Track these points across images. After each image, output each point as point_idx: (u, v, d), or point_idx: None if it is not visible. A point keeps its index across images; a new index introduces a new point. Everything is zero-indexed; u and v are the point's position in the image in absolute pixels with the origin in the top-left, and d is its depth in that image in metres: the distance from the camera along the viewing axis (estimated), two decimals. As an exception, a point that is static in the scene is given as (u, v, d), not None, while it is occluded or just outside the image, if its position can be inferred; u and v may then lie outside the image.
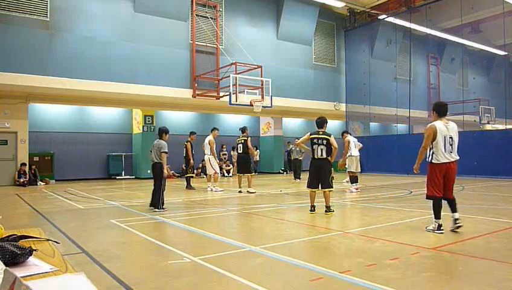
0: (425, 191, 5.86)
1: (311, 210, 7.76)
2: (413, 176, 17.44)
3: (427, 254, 4.55)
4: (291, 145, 18.23)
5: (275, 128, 23.53)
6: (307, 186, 7.89)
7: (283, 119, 24.01)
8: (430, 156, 5.70)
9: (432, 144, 5.67)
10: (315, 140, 7.68)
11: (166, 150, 8.41)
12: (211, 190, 12.45)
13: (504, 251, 4.75)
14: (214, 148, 12.64)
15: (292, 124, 25.65)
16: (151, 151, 8.62)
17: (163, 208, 8.32)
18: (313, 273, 3.92)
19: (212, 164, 12.61)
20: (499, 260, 4.41)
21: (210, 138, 12.67)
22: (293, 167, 18.11)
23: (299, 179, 16.64)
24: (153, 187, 8.61)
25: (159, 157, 8.42)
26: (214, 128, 12.98)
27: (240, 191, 11.99)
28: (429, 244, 4.98)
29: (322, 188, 7.67)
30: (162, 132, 8.70)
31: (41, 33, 14.58)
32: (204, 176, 15.65)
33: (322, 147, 7.59)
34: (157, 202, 8.37)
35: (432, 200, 5.76)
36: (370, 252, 4.64)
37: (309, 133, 7.91)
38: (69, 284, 1.20)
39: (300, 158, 17.24)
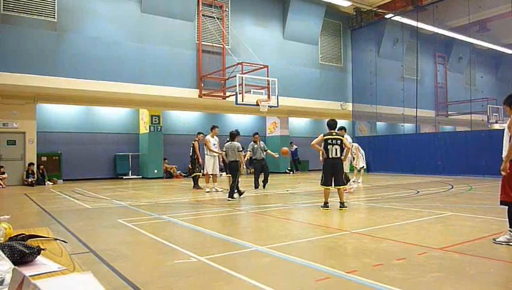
0: (500, 196, 4.98)
1: (324, 206, 8.13)
2: (417, 175, 17.44)
3: (434, 254, 4.51)
4: (254, 144, 13.25)
5: (281, 128, 23.47)
6: (322, 184, 8.30)
7: (289, 119, 23.97)
8: None
9: None
10: (329, 140, 8.16)
11: (241, 149, 10.23)
12: (215, 190, 12.45)
13: (513, 251, 4.70)
14: (205, 148, 12.48)
15: (298, 123, 25.61)
16: (225, 152, 10.32)
17: (233, 198, 9.82)
18: (319, 273, 3.91)
19: (205, 164, 12.64)
20: (507, 260, 4.37)
21: (206, 137, 12.67)
22: (256, 170, 13.28)
23: (264, 187, 12.96)
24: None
25: (235, 156, 9.98)
26: (213, 127, 12.84)
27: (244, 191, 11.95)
28: (436, 244, 4.94)
29: (336, 185, 8.15)
30: (235, 135, 10.31)
31: (49, 34, 14.71)
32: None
33: (336, 146, 8.13)
34: (229, 192, 9.90)
35: (507, 207, 4.94)
36: (377, 252, 4.62)
37: (322, 135, 8.33)
38: (76, 283, 1.21)
39: (260, 158, 13.14)
